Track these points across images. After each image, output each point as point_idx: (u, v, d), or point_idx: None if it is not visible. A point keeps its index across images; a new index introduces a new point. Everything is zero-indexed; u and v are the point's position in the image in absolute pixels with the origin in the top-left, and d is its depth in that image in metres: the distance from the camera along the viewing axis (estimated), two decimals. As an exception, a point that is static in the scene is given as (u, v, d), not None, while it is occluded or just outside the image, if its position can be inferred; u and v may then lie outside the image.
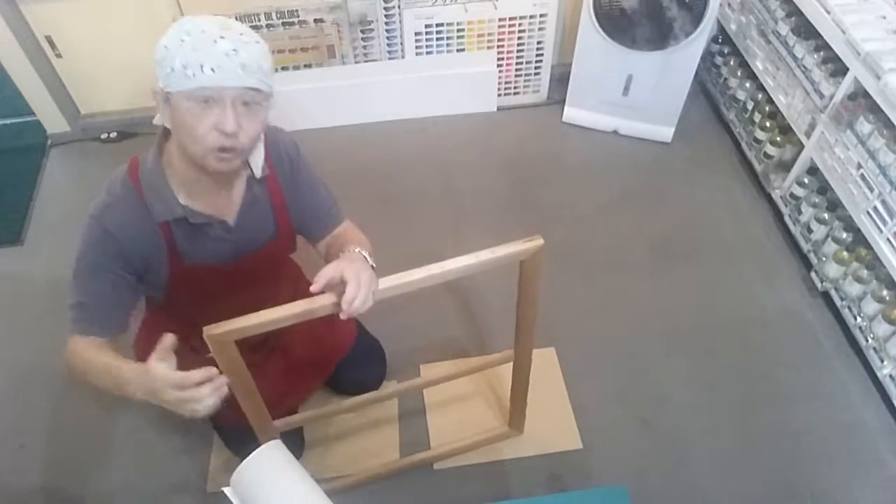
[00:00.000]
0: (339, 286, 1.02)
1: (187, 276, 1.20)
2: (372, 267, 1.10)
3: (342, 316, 1.02)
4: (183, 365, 1.47)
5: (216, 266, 1.22)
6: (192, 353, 1.46)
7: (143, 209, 1.10)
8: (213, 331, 1.02)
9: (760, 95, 2.39)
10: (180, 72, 0.95)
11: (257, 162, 1.17)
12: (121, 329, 1.18)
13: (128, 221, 1.09)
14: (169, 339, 0.95)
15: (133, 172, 1.11)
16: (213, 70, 0.94)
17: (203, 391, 0.90)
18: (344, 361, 1.64)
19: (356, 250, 1.13)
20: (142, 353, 1.54)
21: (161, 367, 0.91)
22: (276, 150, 1.22)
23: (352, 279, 1.00)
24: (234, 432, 1.60)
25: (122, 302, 1.17)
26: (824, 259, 1.97)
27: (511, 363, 1.47)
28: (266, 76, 1.01)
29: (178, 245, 1.16)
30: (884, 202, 1.70)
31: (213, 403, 0.92)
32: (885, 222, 1.70)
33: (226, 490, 0.95)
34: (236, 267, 1.24)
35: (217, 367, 1.25)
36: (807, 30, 2.04)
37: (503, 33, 2.51)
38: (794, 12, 2.10)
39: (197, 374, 0.91)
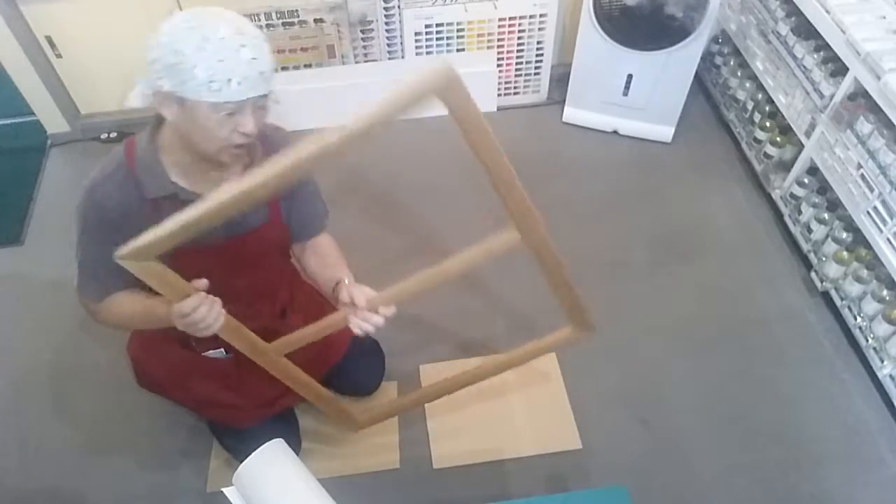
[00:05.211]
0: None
1: (178, 257, 1.21)
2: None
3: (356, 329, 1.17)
4: (178, 360, 1.47)
5: (207, 246, 1.22)
6: (186, 351, 1.47)
7: (134, 185, 1.13)
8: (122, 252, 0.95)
9: (760, 95, 2.39)
10: (204, 84, 0.95)
11: (257, 150, 1.21)
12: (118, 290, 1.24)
13: (117, 195, 1.12)
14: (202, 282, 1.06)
15: (129, 150, 1.14)
16: (239, 84, 0.97)
17: (199, 313, 1.04)
18: (342, 363, 1.64)
19: (347, 281, 1.22)
20: (135, 352, 1.54)
21: (174, 305, 1.05)
22: (280, 146, 1.24)
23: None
24: (230, 435, 1.60)
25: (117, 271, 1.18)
26: (824, 259, 1.97)
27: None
28: (274, 77, 1.05)
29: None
30: (884, 202, 1.70)
31: (213, 321, 1.06)
32: (885, 222, 1.70)
33: (226, 491, 0.95)
34: (227, 248, 1.26)
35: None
36: (807, 30, 2.04)
37: (503, 33, 2.51)
38: (794, 12, 2.10)
39: (190, 301, 1.04)
